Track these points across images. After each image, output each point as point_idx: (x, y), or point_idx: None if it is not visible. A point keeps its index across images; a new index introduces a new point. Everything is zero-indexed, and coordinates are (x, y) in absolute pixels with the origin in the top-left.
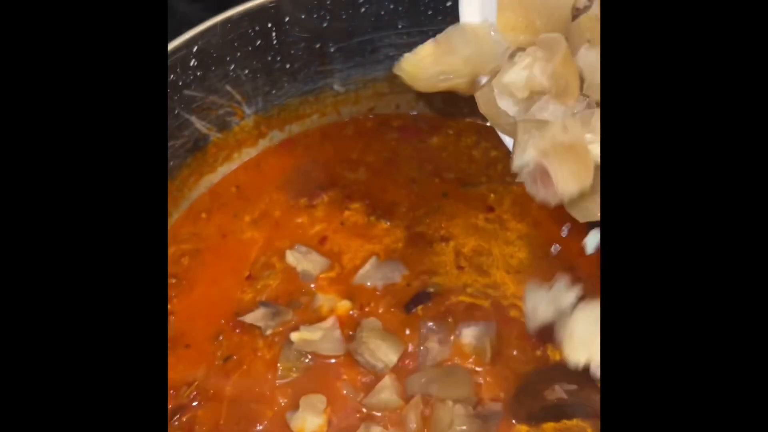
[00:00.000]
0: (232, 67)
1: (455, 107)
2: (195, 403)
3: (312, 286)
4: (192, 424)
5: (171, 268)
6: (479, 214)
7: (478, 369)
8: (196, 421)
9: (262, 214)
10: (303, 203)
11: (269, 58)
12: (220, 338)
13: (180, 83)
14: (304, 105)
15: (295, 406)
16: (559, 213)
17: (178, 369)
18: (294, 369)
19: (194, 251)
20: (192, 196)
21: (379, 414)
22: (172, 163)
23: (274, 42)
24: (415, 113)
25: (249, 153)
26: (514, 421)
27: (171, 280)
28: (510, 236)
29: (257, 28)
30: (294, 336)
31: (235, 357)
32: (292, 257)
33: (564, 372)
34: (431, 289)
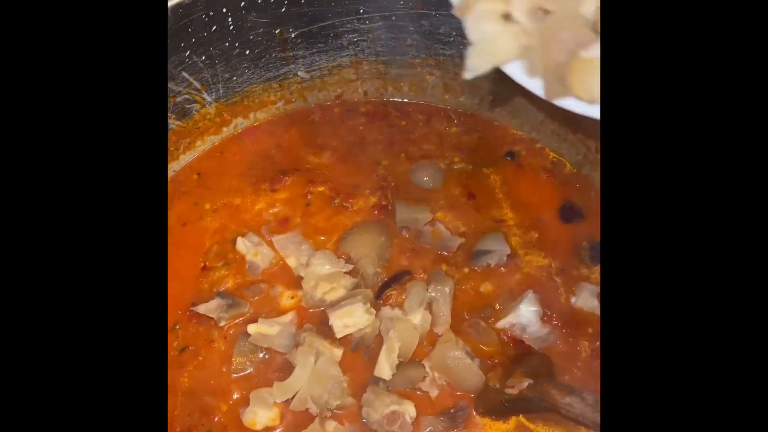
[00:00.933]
0: (188, 53)
1: (424, 93)
2: None
3: (258, 277)
4: None
5: None
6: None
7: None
8: None
9: (223, 202)
10: (264, 188)
11: (226, 44)
12: (177, 328)
13: None
14: (268, 92)
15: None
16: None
17: None
18: (249, 362)
19: None
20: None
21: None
22: None
23: (231, 27)
24: (384, 99)
25: (213, 141)
26: (476, 417)
27: None
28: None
29: (211, 14)
30: (251, 328)
31: (191, 347)
32: (242, 245)
33: (521, 366)
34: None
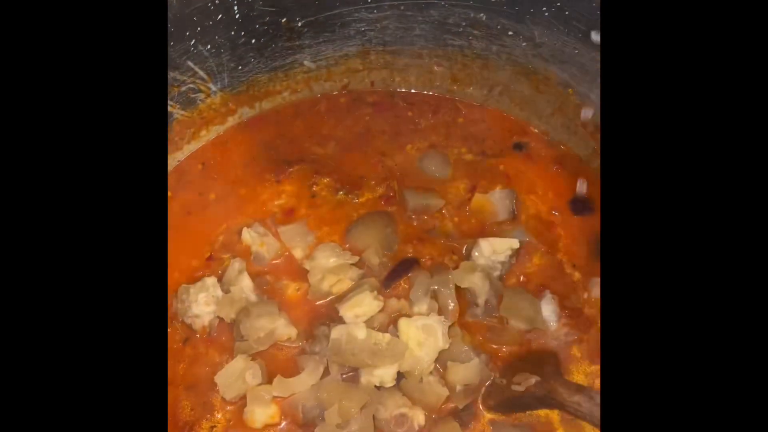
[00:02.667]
0: (193, 42)
1: (431, 83)
2: None
3: (264, 269)
4: None
5: None
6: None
7: None
8: None
9: (227, 192)
10: (269, 179)
11: (232, 33)
12: (181, 320)
13: None
14: (274, 81)
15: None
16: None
17: None
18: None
19: None
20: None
21: None
22: None
23: (236, 16)
24: (391, 90)
25: (218, 130)
26: (484, 412)
27: None
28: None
29: (217, 2)
30: None
31: (195, 338)
32: (248, 236)
33: (529, 363)
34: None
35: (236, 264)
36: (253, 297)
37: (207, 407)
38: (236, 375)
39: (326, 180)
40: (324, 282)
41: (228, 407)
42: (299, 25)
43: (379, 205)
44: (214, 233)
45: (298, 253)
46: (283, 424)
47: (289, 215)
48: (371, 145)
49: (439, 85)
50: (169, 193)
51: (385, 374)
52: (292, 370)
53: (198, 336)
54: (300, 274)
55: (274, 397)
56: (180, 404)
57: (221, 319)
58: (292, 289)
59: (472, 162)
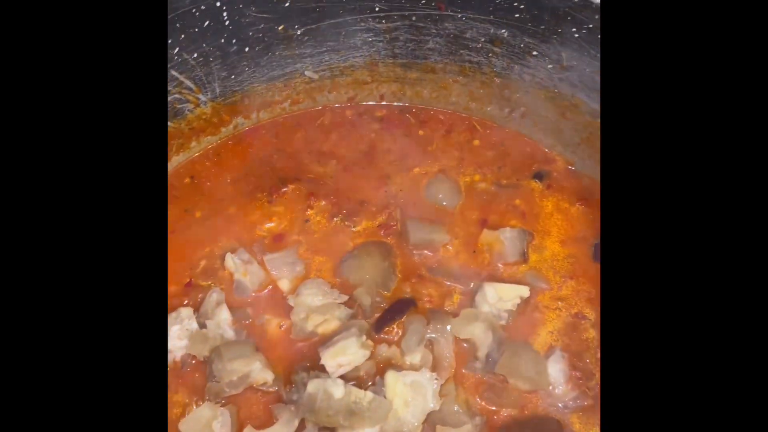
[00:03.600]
0: (177, 50)
1: (447, 99)
2: None
3: (247, 299)
4: None
5: None
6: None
7: None
8: None
9: (214, 210)
10: (261, 198)
11: (222, 41)
12: None
13: None
14: (272, 91)
15: None
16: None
17: None
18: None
19: None
20: None
21: None
22: None
23: (226, 22)
24: (401, 104)
25: (210, 141)
26: None
27: None
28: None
29: (203, 8)
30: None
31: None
32: (231, 262)
33: (529, 429)
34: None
35: (214, 295)
36: (230, 332)
37: None
38: (202, 424)
39: (322, 203)
40: (308, 321)
41: None
42: (298, 33)
43: (377, 235)
44: (196, 256)
45: (284, 285)
46: None
47: (278, 241)
48: (375, 165)
49: (455, 102)
50: None
51: None
52: (265, 417)
53: (169, 371)
54: (284, 308)
55: None
56: None
57: (194, 356)
58: (274, 325)
59: (484, 191)
